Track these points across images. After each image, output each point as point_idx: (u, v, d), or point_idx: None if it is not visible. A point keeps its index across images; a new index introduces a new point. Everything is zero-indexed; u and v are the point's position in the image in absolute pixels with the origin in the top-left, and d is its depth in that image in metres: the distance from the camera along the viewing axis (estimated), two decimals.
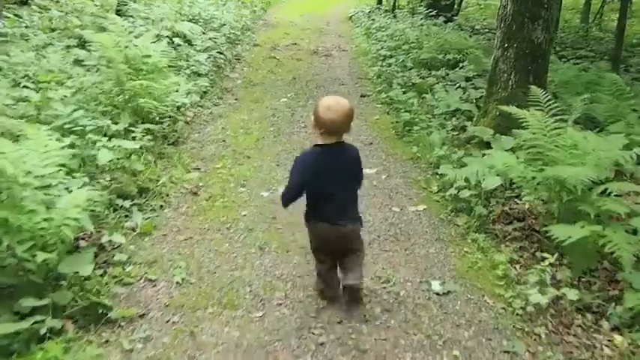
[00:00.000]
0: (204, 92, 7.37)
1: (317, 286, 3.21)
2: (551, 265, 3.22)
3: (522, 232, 3.94)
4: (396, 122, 6.55)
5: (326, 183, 2.85)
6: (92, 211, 3.31)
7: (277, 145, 5.72)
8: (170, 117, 5.51)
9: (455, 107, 6.17)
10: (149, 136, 5.07)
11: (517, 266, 3.53)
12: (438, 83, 7.72)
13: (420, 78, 8.18)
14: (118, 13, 9.41)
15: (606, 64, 8.44)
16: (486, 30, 13.40)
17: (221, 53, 9.54)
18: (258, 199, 4.46)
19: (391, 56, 9.94)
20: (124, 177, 4.18)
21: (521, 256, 3.65)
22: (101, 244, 3.47)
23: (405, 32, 11.35)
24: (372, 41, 11.88)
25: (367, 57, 10.57)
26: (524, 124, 4.05)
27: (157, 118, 5.26)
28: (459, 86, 7.20)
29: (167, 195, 4.41)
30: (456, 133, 5.85)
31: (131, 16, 9.18)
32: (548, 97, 4.29)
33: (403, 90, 7.55)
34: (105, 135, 4.54)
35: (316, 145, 2.89)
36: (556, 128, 3.92)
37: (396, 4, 15.54)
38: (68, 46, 7.16)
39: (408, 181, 4.95)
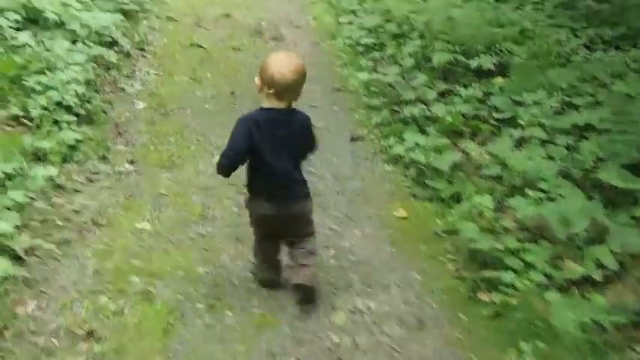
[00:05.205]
0: (72, 147, 3.96)
1: (257, 270, 2.79)
2: None
3: None
4: (439, 232, 3.43)
5: (269, 153, 2.47)
6: None
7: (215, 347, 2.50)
8: None
9: (581, 225, 3.04)
10: None
11: None
12: (480, 117, 4.63)
13: (441, 98, 5.04)
14: None
15: None
16: None
17: (114, 43, 5.95)
18: None
19: (375, 46, 6.67)
20: None
21: None
22: None
23: None
24: (337, 12, 8.46)
25: (337, 42, 7.21)
26: None
27: None
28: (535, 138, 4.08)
29: None
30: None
31: None
32: None
33: (423, 131, 4.44)
34: None
35: (262, 109, 2.52)
36: None
37: None
38: None
39: None
